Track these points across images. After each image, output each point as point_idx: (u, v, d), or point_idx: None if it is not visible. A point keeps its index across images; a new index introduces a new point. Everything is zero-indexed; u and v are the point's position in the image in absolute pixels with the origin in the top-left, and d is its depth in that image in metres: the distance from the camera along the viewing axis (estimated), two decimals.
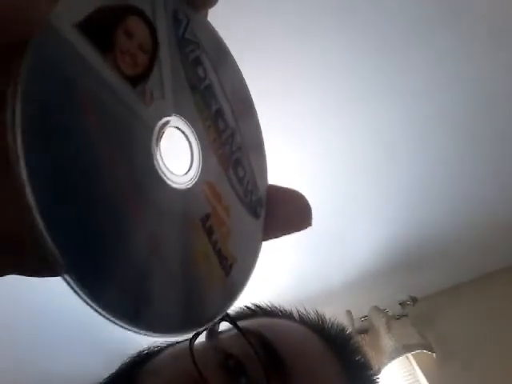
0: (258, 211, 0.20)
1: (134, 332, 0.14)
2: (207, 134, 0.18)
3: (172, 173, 0.16)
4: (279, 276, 1.48)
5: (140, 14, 0.15)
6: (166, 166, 0.16)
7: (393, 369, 1.52)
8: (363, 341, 1.59)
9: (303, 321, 0.36)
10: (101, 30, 0.14)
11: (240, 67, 0.20)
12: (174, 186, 0.16)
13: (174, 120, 0.17)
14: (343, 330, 0.35)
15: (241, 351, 0.27)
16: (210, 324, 0.17)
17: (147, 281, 0.15)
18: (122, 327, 0.14)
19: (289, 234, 0.20)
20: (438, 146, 1.22)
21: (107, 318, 0.13)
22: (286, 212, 0.20)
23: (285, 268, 1.46)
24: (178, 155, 0.19)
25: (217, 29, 0.19)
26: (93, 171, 0.13)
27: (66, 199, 0.12)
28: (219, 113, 0.19)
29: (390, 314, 1.60)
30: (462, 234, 1.50)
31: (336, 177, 1.24)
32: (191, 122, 0.17)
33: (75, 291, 0.12)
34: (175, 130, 0.17)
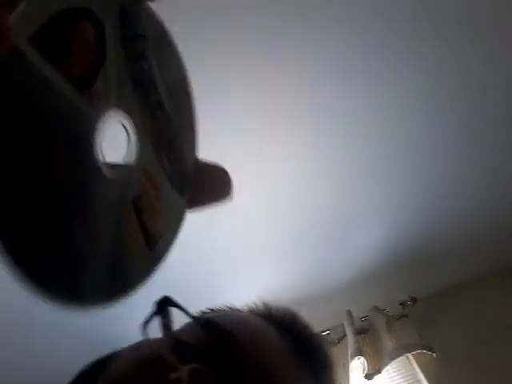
0: (185, 189, 0.22)
1: (68, 308, 0.16)
2: (145, 122, 0.20)
3: (111, 164, 0.18)
4: (279, 276, 1.48)
5: (90, 15, 0.17)
6: (105, 158, 0.17)
7: (393, 369, 1.52)
8: (363, 341, 1.59)
9: (251, 310, 0.38)
10: (52, 36, 0.15)
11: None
12: (113, 175, 0.18)
13: (116, 114, 0.18)
14: (288, 311, 0.37)
15: (191, 336, 0.29)
16: (134, 291, 0.20)
17: (81, 266, 0.16)
18: (57, 305, 0.16)
19: (212, 205, 0.22)
20: (438, 148, 1.23)
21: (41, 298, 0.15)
22: (211, 186, 0.23)
23: (285, 268, 1.46)
24: (119, 146, 0.21)
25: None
26: (38, 170, 0.15)
27: (9, 192, 0.14)
28: (157, 102, 0.21)
29: (390, 314, 1.60)
30: (462, 234, 1.50)
31: (338, 178, 1.24)
32: (131, 113, 0.19)
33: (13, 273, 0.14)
34: (117, 123, 0.18)
